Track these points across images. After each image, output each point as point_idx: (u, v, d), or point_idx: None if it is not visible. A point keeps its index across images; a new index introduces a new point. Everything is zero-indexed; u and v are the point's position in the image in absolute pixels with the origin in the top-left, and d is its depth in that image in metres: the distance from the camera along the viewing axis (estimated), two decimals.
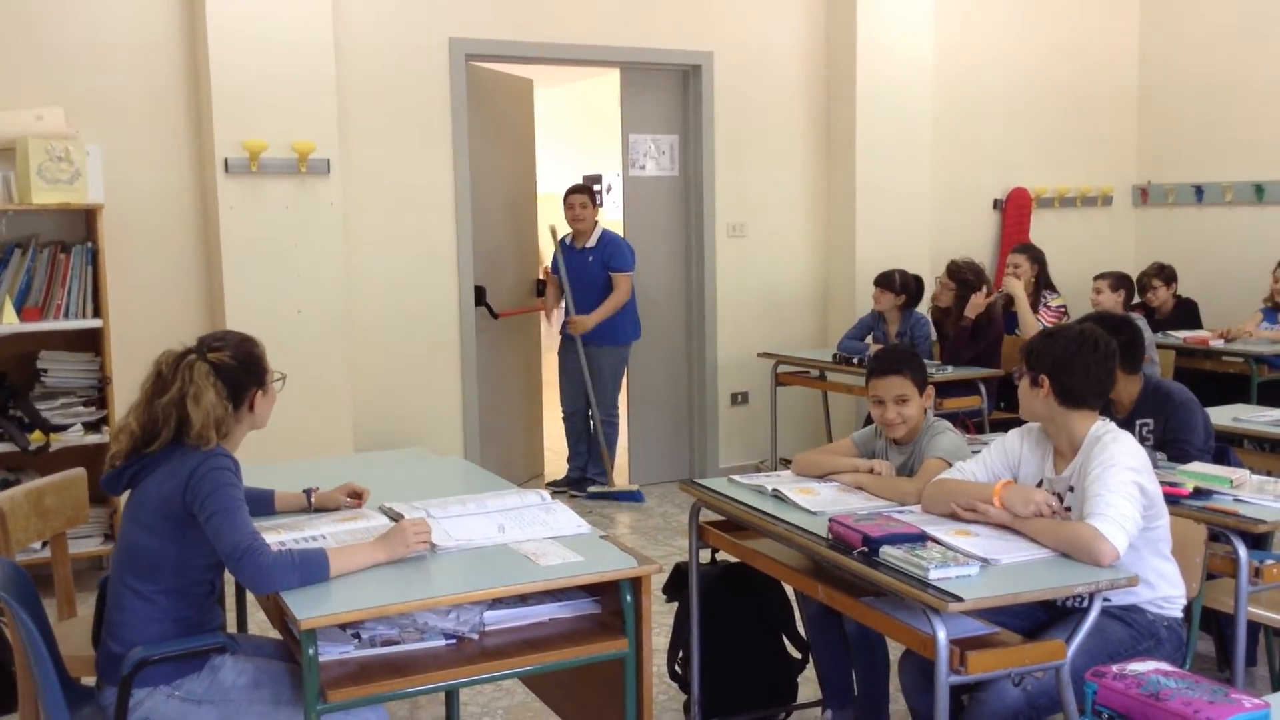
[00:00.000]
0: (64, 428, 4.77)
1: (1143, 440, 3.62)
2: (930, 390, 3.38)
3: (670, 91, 6.66)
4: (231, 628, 3.59)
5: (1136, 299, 6.47)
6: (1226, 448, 3.79)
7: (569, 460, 6.47)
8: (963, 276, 5.92)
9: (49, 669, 2.42)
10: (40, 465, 4.66)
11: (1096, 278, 6.19)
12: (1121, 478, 2.66)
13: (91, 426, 4.83)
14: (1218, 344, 6.08)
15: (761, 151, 6.78)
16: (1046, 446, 2.97)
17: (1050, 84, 7.53)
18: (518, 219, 6.70)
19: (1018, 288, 6.15)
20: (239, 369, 2.62)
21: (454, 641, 2.49)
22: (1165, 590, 2.82)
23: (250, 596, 3.59)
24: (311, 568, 2.41)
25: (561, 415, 6.46)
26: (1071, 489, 2.84)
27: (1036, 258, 6.33)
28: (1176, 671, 1.65)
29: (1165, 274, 6.67)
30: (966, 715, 2.72)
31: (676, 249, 6.77)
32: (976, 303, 5.81)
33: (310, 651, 2.25)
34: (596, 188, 14.44)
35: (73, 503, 3.25)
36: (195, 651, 2.48)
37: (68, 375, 4.87)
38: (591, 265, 6.19)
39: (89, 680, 2.69)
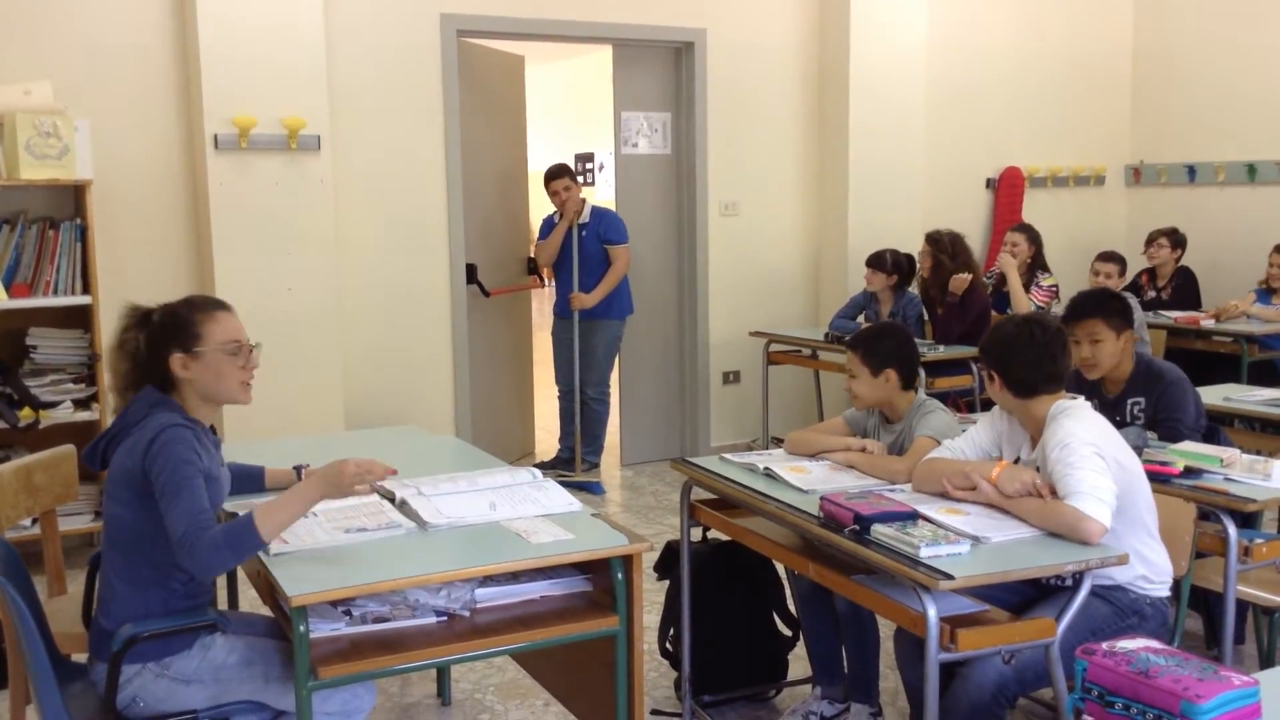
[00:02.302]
0: (53, 404, 4.75)
1: (1134, 419, 3.63)
2: (889, 373, 3.33)
3: (663, 69, 6.63)
4: (222, 605, 3.59)
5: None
6: (1217, 427, 3.80)
7: (560, 440, 6.46)
8: (939, 241, 5.97)
9: (39, 646, 2.41)
10: (29, 442, 4.65)
11: (1102, 260, 6.21)
12: (1081, 451, 2.67)
13: (81, 403, 4.82)
14: (1209, 324, 6.10)
15: (754, 129, 6.76)
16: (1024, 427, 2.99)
17: (1044, 63, 7.51)
18: (509, 197, 6.68)
19: (1010, 266, 6.17)
20: (160, 328, 2.57)
21: (445, 619, 2.49)
22: (1148, 568, 2.83)
23: (241, 574, 3.60)
24: (240, 539, 2.32)
25: (557, 394, 6.42)
26: (1039, 468, 2.85)
27: (1034, 238, 6.37)
28: (1167, 649, 1.66)
29: (1175, 237, 6.72)
30: (954, 688, 2.73)
31: (669, 227, 6.75)
32: (960, 279, 5.83)
33: (301, 628, 2.25)
34: (588, 165, 14.40)
35: (62, 480, 3.24)
36: (186, 629, 2.47)
37: (57, 352, 4.85)
38: (586, 240, 6.15)
39: (80, 657, 2.69)
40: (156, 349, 2.55)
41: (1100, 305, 3.63)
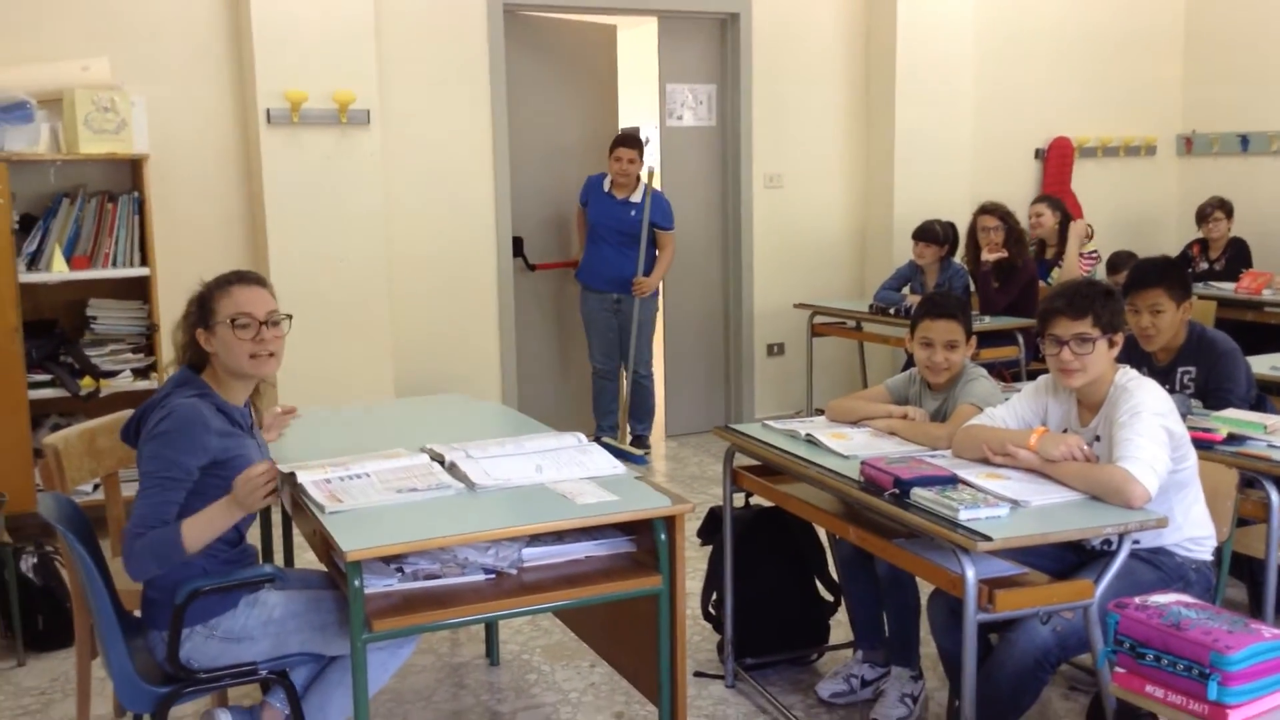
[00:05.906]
0: (113, 374, 4.88)
1: (1183, 388, 3.62)
2: (973, 340, 3.40)
3: (708, 41, 6.63)
4: (280, 563, 3.70)
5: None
6: (1264, 396, 3.78)
7: (600, 420, 6.34)
8: (1009, 214, 5.88)
9: (105, 600, 2.50)
10: (90, 411, 4.75)
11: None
12: (1150, 422, 2.68)
13: (140, 373, 4.94)
14: (1268, 293, 6.01)
15: (799, 101, 6.74)
16: (1071, 397, 2.99)
17: (1094, 31, 7.41)
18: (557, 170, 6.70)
19: (1079, 230, 6.20)
20: (193, 307, 2.69)
21: (493, 576, 2.55)
22: (1193, 532, 2.84)
23: (298, 535, 3.70)
24: (166, 548, 2.44)
25: (591, 372, 6.33)
26: (1098, 438, 2.85)
27: (1059, 207, 6.39)
28: (1198, 603, 1.69)
29: (1226, 207, 6.65)
30: (997, 653, 2.76)
31: (713, 199, 6.77)
32: (995, 246, 5.80)
33: (356, 583, 2.32)
34: None
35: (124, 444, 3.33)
36: (239, 584, 2.56)
37: (116, 322, 4.97)
38: (633, 218, 6.09)
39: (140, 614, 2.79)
40: (190, 325, 2.67)
41: (1163, 275, 3.62)
